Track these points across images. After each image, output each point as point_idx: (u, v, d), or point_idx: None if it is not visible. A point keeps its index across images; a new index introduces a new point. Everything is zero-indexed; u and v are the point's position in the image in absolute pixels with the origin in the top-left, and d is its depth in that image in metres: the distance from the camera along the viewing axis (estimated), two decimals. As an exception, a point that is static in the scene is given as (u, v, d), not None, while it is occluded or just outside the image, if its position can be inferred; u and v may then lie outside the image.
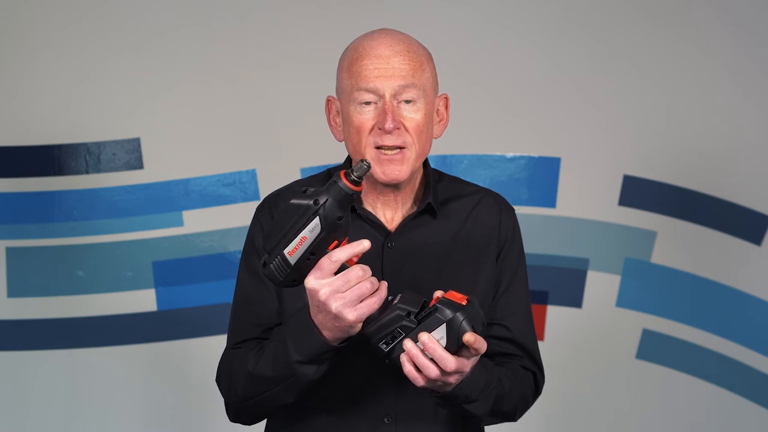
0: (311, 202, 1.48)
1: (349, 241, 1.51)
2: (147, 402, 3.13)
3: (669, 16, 3.11)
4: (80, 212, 3.10)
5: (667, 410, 3.15)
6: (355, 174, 1.48)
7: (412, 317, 1.51)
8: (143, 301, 3.11)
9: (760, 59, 3.11)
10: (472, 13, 3.12)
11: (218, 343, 3.07)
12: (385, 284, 1.53)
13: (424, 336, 1.49)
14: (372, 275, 1.52)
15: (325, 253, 1.50)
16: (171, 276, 3.11)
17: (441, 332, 1.50)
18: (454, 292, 1.52)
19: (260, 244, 1.73)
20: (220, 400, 1.76)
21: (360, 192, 1.49)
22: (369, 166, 1.48)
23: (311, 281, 1.50)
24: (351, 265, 1.51)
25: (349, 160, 1.78)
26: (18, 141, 3.09)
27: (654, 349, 3.14)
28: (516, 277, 1.79)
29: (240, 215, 3.05)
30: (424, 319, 1.51)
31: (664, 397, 3.15)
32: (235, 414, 1.74)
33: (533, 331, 1.81)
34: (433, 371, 1.50)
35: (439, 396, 1.58)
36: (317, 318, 1.54)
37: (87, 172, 3.10)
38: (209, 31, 3.10)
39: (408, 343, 1.50)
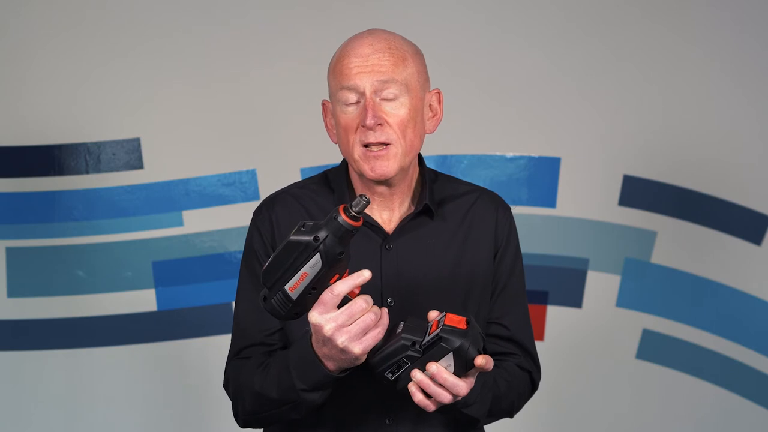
0: (311, 238, 1.46)
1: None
2: (147, 402, 3.13)
3: (669, 16, 3.11)
4: (80, 212, 3.10)
5: (667, 410, 3.15)
6: (354, 209, 1.47)
7: (417, 346, 1.51)
8: (143, 301, 3.11)
9: (760, 59, 3.11)
10: (473, 14, 3.12)
11: (217, 343, 3.09)
12: (386, 312, 1.53)
13: (432, 367, 1.50)
14: (374, 304, 1.52)
15: (327, 286, 1.49)
16: (171, 276, 3.10)
17: (448, 360, 1.50)
18: (452, 315, 1.52)
19: (259, 248, 1.73)
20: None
21: (360, 227, 1.48)
22: (368, 202, 1.47)
23: (315, 317, 1.50)
24: (353, 296, 1.50)
25: (344, 162, 1.78)
26: (18, 141, 3.09)
27: (654, 349, 3.14)
28: (513, 276, 1.79)
29: (240, 215, 3.05)
30: (429, 349, 1.50)
31: (664, 397, 3.15)
32: (245, 423, 1.74)
33: (530, 329, 1.82)
34: (445, 397, 1.52)
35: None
36: (322, 351, 1.54)
37: (87, 172, 3.10)
38: (209, 31, 3.09)
39: (417, 374, 1.51)
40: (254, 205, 1.84)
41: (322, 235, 1.46)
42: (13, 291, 3.09)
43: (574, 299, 3.15)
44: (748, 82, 3.11)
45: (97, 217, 3.10)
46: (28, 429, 3.12)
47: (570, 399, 3.15)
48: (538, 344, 1.86)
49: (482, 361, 1.49)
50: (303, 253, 1.47)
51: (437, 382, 1.51)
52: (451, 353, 1.49)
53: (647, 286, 3.14)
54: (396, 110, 1.67)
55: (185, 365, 3.13)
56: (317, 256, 1.47)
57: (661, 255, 3.13)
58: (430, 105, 1.74)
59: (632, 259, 3.14)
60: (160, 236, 3.11)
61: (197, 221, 3.11)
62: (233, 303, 3.05)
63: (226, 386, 1.75)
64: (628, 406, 3.16)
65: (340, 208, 1.47)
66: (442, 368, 1.50)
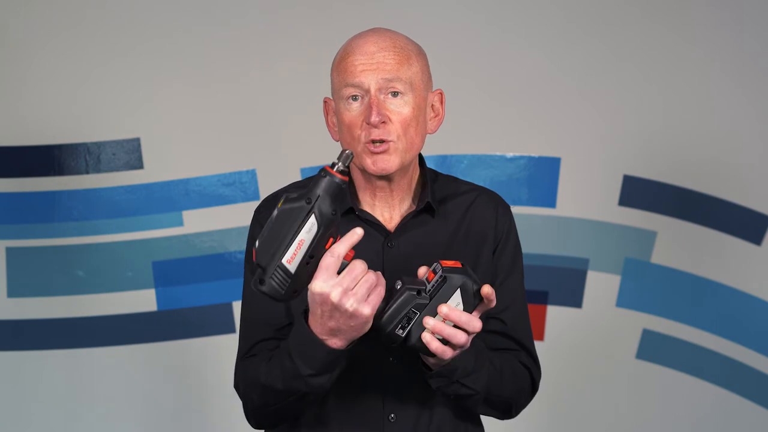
0: (303, 202, 1.46)
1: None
2: (147, 402, 3.13)
3: (669, 16, 3.11)
4: (80, 212, 3.10)
5: (667, 410, 3.15)
6: (341, 164, 1.48)
7: (423, 294, 1.52)
8: (143, 301, 3.11)
9: (760, 59, 3.11)
10: (473, 14, 3.12)
11: (217, 343, 3.09)
12: (379, 273, 1.54)
13: (444, 308, 1.52)
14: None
15: (323, 252, 1.49)
16: (171, 276, 3.11)
17: (456, 299, 1.52)
18: (445, 261, 1.54)
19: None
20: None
21: (347, 182, 1.49)
22: (352, 154, 1.49)
23: (319, 285, 1.49)
24: (348, 260, 1.50)
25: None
26: (18, 141, 3.09)
27: (654, 349, 3.14)
28: (512, 272, 1.80)
29: (240, 215, 3.05)
30: (435, 293, 1.52)
31: (664, 397, 3.15)
32: (257, 421, 1.74)
33: (529, 326, 1.82)
34: (462, 337, 1.52)
35: (440, 375, 1.59)
36: (328, 325, 1.52)
37: (87, 172, 3.10)
38: (209, 31, 3.10)
39: (430, 320, 1.51)
40: (254, 205, 1.84)
41: (314, 196, 1.46)
42: (13, 291, 3.09)
43: (574, 299, 3.15)
44: (748, 82, 3.11)
45: (97, 217, 3.10)
46: (28, 429, 3.12)
47: (570, 399, 3.16)
48: (538, 344, 1.86)
49: (488, 289, 1.52)
50: (297, 219, 1.46)
51: (451, 324, 1.52)
52: (458, 291, 1.51)
53: (647, 286, 3.14)
54: (400, 108, 1.68)
55: (185, 365, 3.13)
56: (312, 219, 1.46)
57: (661, 255, 3.13)
58: (432, 105, 1.76)
59: (632, 259, 3.14)
60: (160, 236, 3.11)
61: (197, 221, 3.11)
62: (234, 303, 3.09)
63: (237, 387, 1.75)
64: (628, 406, 3.16)
65: (326, 167, 1.48)
66: (453, 307, 1.51)
